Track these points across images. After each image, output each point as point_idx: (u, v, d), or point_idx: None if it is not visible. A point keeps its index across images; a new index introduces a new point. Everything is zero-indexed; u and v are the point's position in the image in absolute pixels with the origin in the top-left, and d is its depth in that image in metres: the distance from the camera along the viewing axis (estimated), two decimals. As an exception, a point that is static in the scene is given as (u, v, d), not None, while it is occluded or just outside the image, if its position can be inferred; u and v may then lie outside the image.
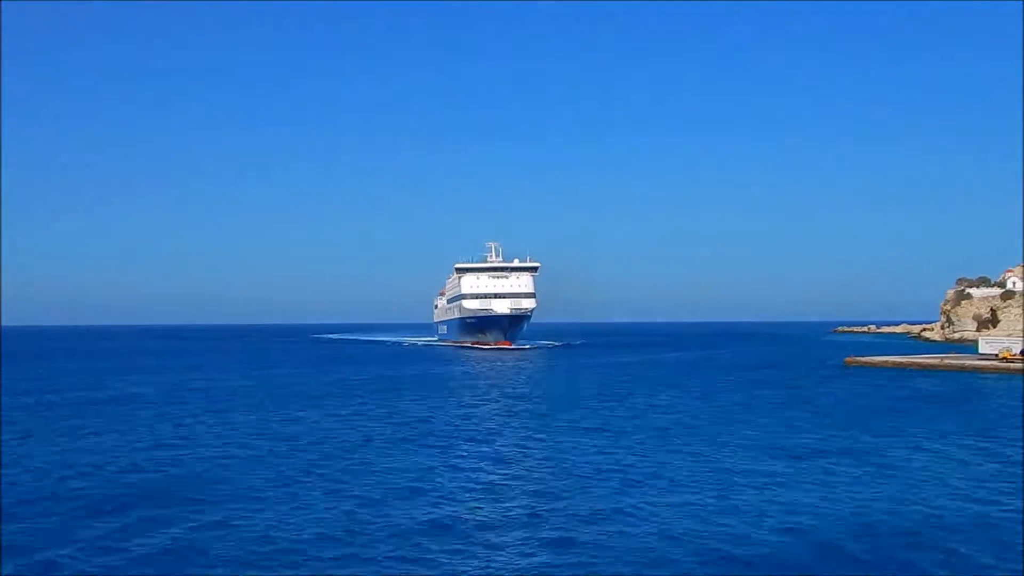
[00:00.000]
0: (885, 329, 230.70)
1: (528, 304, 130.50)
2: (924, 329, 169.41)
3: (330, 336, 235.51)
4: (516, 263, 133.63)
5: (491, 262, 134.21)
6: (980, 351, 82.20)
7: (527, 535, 17.76)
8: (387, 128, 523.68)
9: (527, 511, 19.87)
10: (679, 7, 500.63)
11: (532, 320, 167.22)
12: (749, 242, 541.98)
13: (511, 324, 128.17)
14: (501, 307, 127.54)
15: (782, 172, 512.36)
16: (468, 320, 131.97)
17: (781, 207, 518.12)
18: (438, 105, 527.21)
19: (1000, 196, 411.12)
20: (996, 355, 74.39)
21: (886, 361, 79.55)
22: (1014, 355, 72.04)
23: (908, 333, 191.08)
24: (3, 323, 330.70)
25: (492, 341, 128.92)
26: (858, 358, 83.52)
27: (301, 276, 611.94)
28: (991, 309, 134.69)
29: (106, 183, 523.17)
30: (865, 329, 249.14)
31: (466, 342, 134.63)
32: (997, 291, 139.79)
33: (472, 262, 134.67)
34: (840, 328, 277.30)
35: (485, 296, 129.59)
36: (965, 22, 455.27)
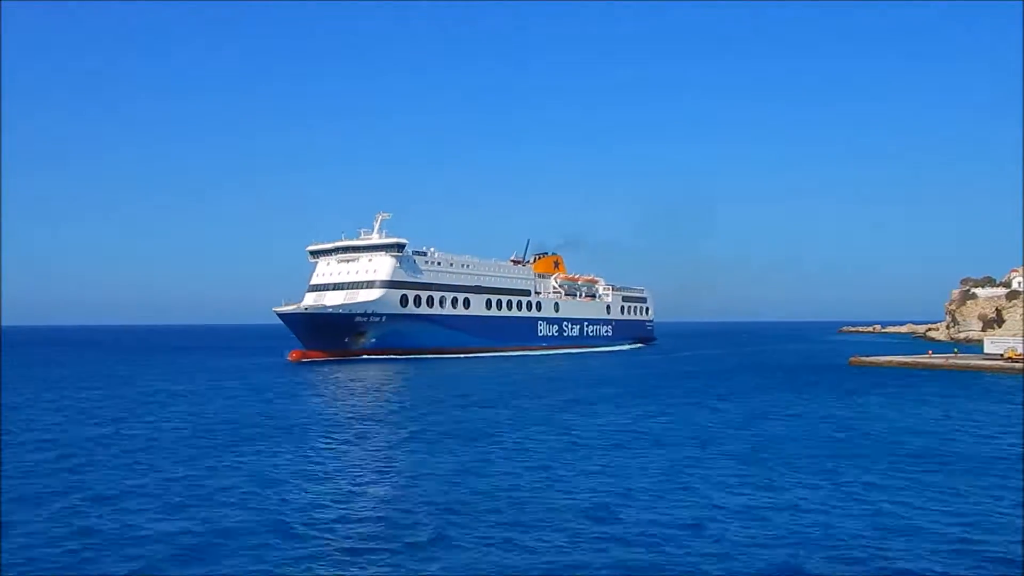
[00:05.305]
0: (890, 329, 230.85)
1: (368, 295, 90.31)
2: (929, 329, 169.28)
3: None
4: (375, 239, 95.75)
5: (360, 240, 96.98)
6: (985, 351, 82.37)
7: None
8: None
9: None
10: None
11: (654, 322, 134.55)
12: (752, 243, 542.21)
13: (307, 324, 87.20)
14: (334, 302, 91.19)
15: (784, 173, 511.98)
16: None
17: (783, 208, 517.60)
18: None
19: (1005, 197, 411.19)
20: (1001, 355, 74.57)
21: (891, 361, 79.68)
22: (1019, 355, 72.12)
23: (913, 333, 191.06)
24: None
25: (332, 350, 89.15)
26: (862, 358, 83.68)
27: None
28: (996, 309, 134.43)
29: (108, 185, 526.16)
30: (870, 329, 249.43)
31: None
32: (1002, 291, 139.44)
33: (331, 242, 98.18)
34: (846, 328, 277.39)
35: (324, 288, 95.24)
36: (964, 23, 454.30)
